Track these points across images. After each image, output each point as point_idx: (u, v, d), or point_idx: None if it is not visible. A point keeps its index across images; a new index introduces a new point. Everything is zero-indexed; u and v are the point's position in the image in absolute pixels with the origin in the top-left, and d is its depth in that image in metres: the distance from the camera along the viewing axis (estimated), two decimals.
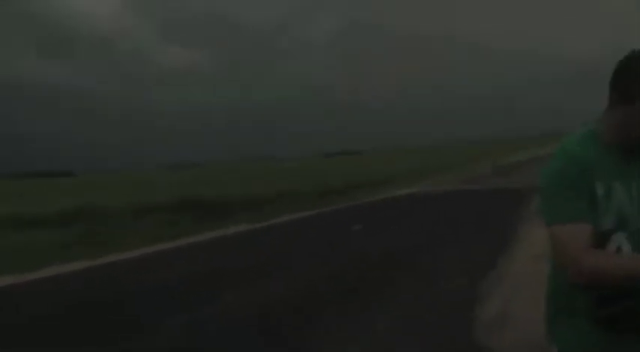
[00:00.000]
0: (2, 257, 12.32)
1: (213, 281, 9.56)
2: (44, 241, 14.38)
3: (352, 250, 11.93)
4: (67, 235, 15.09)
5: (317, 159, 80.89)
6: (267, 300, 7.80)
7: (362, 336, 6.07)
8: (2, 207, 20.99)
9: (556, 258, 1.96)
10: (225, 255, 12.63)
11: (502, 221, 14.54)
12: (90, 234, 14.93)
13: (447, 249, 11.14)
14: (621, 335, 1.90)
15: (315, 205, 22.03)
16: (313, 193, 24.44)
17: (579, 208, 1.87)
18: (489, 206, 19.21)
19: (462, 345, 5.64)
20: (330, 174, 41.66)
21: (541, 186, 1.95)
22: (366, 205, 22.95)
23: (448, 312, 6.82)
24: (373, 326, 6.33)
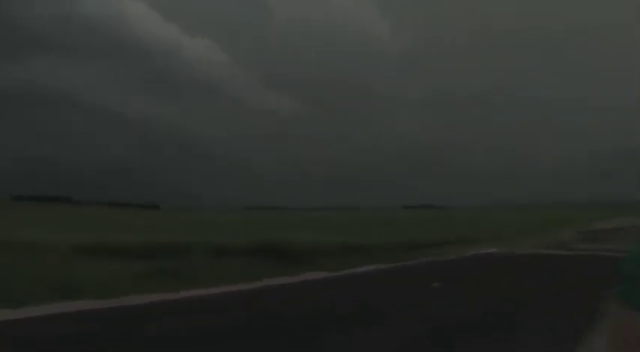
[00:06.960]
0: (85, 284, 12.75)
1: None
2: (125, 271, 14.68)
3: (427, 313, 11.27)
4: (147, 267, 15.33)
5: (398, 212, 80.00)
6: None
7: None
8: (88, 235, 21.85)
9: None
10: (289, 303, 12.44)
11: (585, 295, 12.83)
12: (169, 269, 15.13)
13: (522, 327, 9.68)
14: None
15: (392, 258, 21.56)
16: (389, 245, 24.11)
17: None
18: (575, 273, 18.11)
19: None
20: (408, 227, 40.93)
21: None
22: (445, 262, 22.27)
23: None
24: None
